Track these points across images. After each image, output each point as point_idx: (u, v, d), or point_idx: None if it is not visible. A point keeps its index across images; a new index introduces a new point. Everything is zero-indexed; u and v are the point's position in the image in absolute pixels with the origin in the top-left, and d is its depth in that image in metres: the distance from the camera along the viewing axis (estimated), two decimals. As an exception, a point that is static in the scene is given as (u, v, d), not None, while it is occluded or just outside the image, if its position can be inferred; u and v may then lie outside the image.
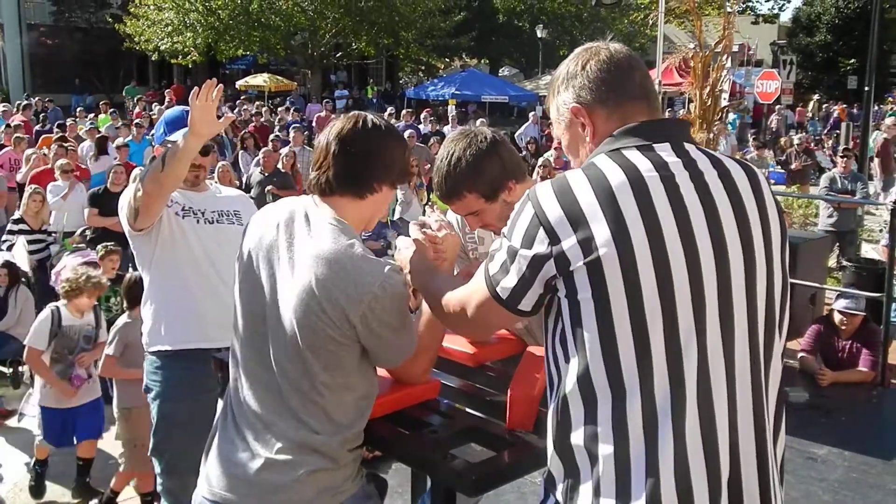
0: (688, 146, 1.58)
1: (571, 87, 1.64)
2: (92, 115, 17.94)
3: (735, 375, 1.51)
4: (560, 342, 1.55)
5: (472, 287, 1.70)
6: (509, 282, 1.57)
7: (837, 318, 5.54)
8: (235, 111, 18.46)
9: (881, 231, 9.76)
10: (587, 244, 1.45)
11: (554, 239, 1.48)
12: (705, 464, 1.47)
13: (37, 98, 20.96)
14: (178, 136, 2.98)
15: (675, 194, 1.50)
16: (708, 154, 1.60)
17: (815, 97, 23.46)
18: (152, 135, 12.76)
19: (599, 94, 1.62)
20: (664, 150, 1.55)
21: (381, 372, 2.05)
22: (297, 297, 1.87)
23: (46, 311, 4.93)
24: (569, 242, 1.47)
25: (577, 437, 1.51)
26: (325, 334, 1.85)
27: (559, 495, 1.55)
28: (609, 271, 1.45)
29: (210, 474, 2.00)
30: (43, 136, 13.52)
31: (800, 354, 5.55)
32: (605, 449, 1.47)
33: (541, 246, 1.50)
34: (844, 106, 26.16)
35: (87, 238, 7.91)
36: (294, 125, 14.77)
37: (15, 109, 17.69)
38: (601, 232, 1.45)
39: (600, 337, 1.47)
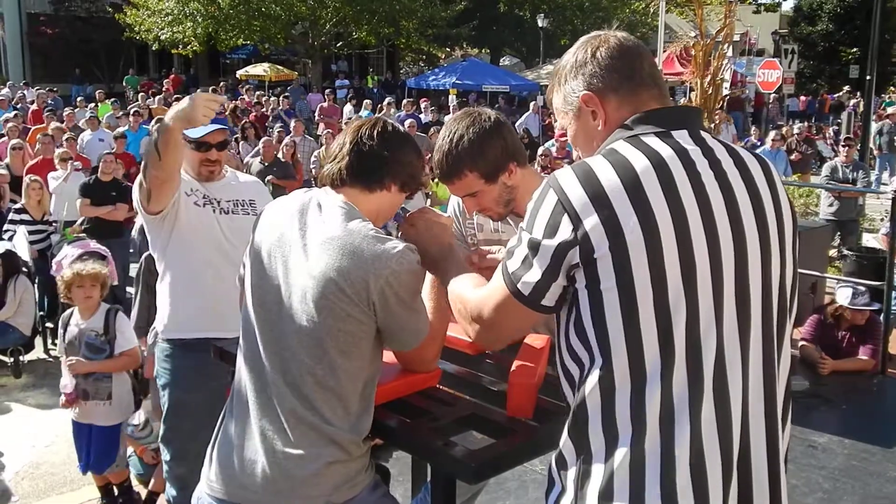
0: (703, 134, 1.57)
1: (581, 74, 1.61)
2: (92, 105, 17.91)
3: (749, 362, 1.50)
4: (577, 334, 1.52)
5: (489, 288, 1.64)
6: (532, 276, 1.51)
7: (849, 313, 5.49)
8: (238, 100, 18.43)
9: (882, 220, 9.75)
10: (612, 228, 1.42)
11: (577, 224, 1.44)
12: (720, 453, 1.46)
13: (37, 88, 20.92)
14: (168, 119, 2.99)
15: (698, 181, 1.49)
16: (723, 143, 1.59)
17: (846, 88, 23.19)
18: (152, 125, 12.76)
19: (611, 82, 1.59)
20: (682, 138, 1.54)
21: (385, 360, 2.04)
22: (314, 280, 1.87)
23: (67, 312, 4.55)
24: (592, 225, 1.43)
25: (595, 425, 1.49)
26: (345, 314, 1.86)
27: (570, 481, 1.53)
28: (635, 257, 1.42)
29: (219, 473, 1.98)
30: (34, 128, 13.48)
31: (800, 343, 5.55)
32: (623, 438, 1.46)
33: (565, 233, 1.46)
34: (834, 95, 26.13)
35: (84, 228, 7.92)
36: (288, 114, 14.73)
37: (14, 98, 17.69)
38: (626, 216, 1.42)
39: (624, 327, 1.44)
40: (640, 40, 1.70)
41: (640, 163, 1.47)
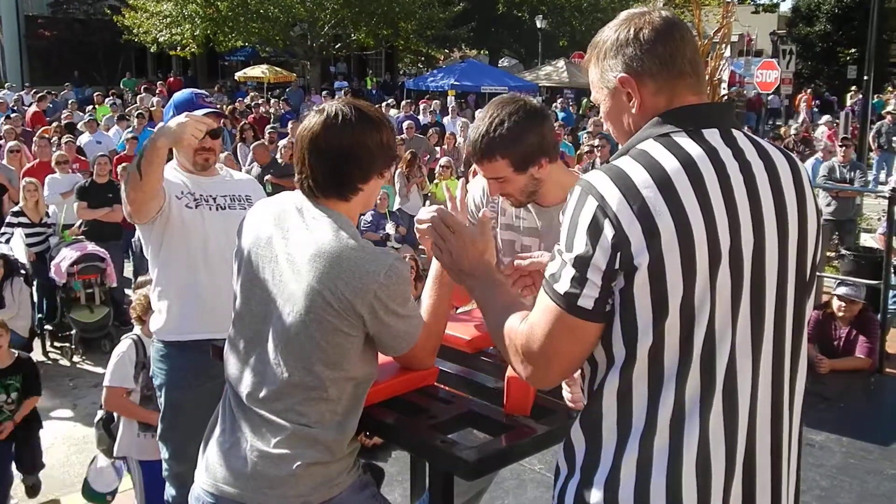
0: (735, 133, 1.56)
1: (622, 54, 1.57)
2: (90, 107, 17.91)
3: (759, 368, 1.51)
4: (604, 336, 1.51)
5: (535, 318, 1.53)
6: (591, 290, 1.45)
7: (836, 304, 5.55)
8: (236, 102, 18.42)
9: (879, 219, 9.76)
10: (648, 225, 1.40)
11: (618, 226, 1.41)
12: (725, 454, 1.48)
13: (34, 90, 20.91)
14: (171, 122, 2.98)
15: (726, 183, 1.48)
16: (754, 142, 1.57)
17: (853, 88, 23.00)
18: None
19: (651, 67, 1.55)
20: (713, 137, 1.52)
21: (382, 358, 2.05)
22: (301, 293, 1.87)
23: (126, 342, 4.10)
24: (631, 229, 1.41)
25: (609, 422, 1.50)
26: (332, 327, 1.86)
27: (578, 468, 1.54)
28: (669, 261, 1.41)
29: (209, 467, 2.01)
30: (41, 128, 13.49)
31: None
32: (634, 436, 1.47)
33: (608, 237, 1.42)
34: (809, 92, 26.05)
35: (82, 231, 7.91)
36: (288, 118, 14.74)
37: (11, 101, 17.67)
38: (665, 221, 1.41)
39: (654, 329, 1.44)
40: (682, 21, 1.65)
41: (671, 164, 1.46)
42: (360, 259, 1.86)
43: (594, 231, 1.43)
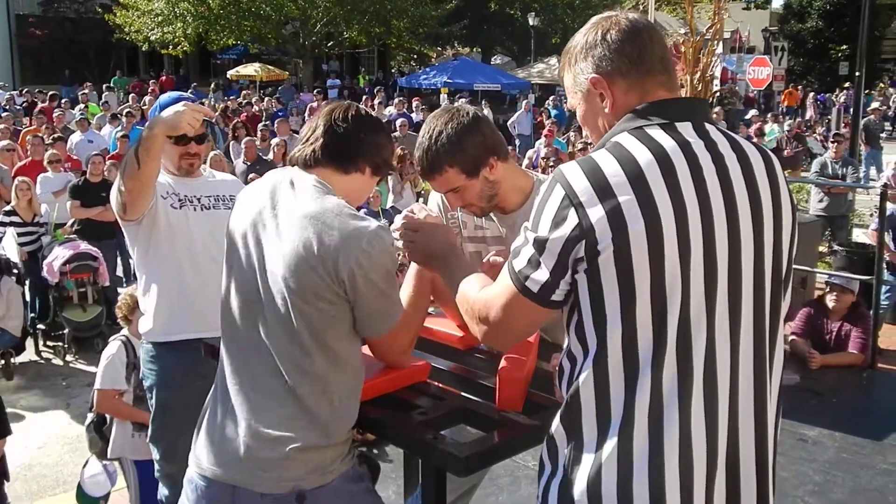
0: (708, 126, 1.57)
1: (591, 56, 1.60)
2: (81, 106, 17.87)
3: (739, 358, 1.52)
4: (577, 328, 1.53)
5: (495, 288, 1.63)
6: (540, 275, 1.51)
7: (828, 295, 5.58)
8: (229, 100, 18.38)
9: (871, 215, 9.79)
10: (616, 221, 1.43)
11: (583, 217, 1.44)
12: (706, 447, 1.48)
13: (25, 90, 20.85)
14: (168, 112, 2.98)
15: (699, 176, 1.49)
16: (727, 136, 1.58)
17: (847, 85, 23.04)
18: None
19: (620, 66, 1.58)
20: (686, 130, 1.54)
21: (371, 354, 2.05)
22: (289, 256, 1.86)
23: (115, 344, 4.10)
24: (597, 218, 1.43)
25: (588, 416, 1.51)
26: (315, 295, 1.85)
27: (560, 465, 1.55)
28: (636, 250, 1.43)
29: (199, 453, 2.01)
30: (25, 129, 13.46)
31: (790, 337, 5.57)
32: (613, 430, 1.48)
33: (571, 226, 1.46)
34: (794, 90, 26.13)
35: (76, 230, 7.88)
36: (279, 115, 14.73)
37: (3, 101, 17.61)
38: (631, 209, 1.43)
39: (622, 319, 1.46)
40: (650, 22, 1.68)
41: (643, 156, 1.48)
42: (345, 224, 1.86)
43: (558, 219, 1.48)
